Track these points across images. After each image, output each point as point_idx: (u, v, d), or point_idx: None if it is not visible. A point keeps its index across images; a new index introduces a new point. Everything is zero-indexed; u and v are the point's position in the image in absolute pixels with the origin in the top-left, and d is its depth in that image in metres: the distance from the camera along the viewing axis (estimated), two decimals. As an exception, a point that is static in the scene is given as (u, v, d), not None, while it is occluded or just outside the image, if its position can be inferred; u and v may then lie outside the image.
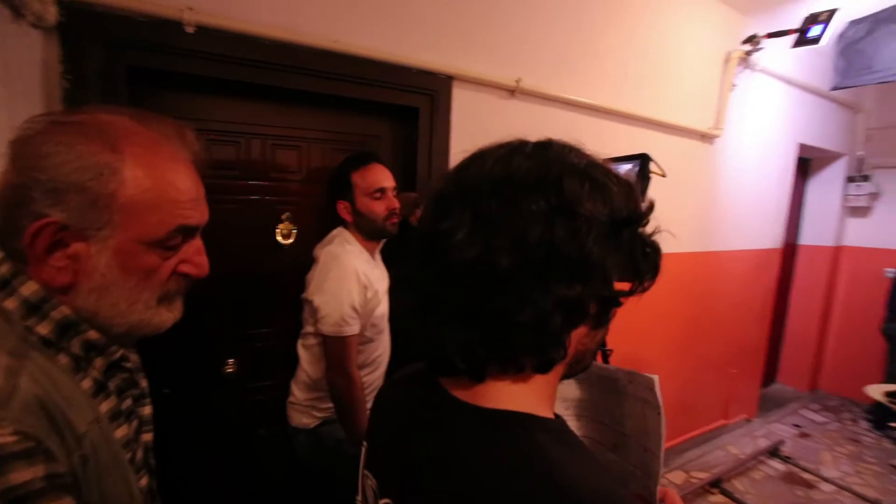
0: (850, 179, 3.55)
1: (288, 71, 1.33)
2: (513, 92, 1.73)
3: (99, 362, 0.53)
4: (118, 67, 1.14)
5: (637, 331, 2.33)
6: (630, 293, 0.45)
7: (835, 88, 2.59)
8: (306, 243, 1.51)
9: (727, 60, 2.43)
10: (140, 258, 0.51)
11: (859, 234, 3.67)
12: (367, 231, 1.37)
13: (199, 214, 0.56)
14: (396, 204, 1.37)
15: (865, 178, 3.51)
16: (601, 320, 0.45)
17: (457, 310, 0.42)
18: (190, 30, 1.17)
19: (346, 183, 1.33)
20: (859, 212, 3.64)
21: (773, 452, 2.92)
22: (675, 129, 2.27)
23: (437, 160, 1.63)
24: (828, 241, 3.64)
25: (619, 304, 0.44)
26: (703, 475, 2.60)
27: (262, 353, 1.53)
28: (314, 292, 1.27)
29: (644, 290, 0.45)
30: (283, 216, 1.50)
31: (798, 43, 2.23)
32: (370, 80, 1.46)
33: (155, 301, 0.54)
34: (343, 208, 1.34)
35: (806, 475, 2.71)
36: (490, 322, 0.40)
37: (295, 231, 1.52)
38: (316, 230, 1.53)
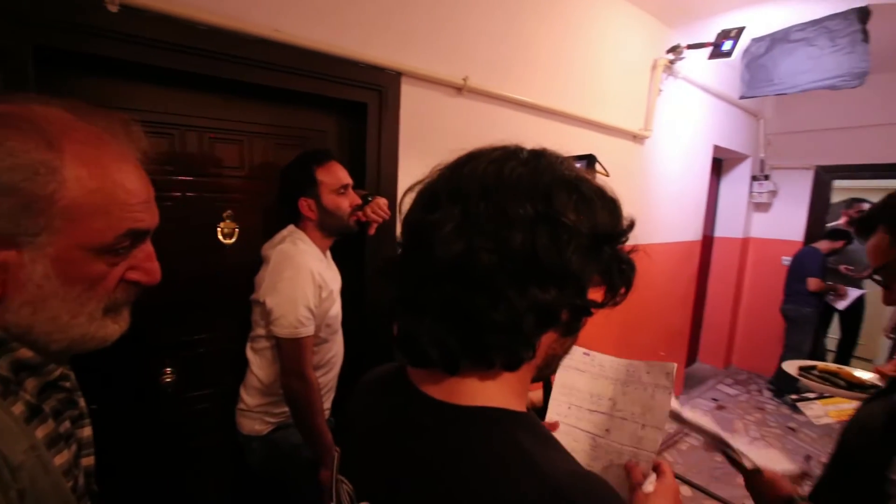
0: (754, 178, 3.98)
1: (225, 60, 1.25)
2: (460, 90, 1.75)
3: (31, 383, 0.47)
4: (23, 47, 1.01)
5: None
6: (602, 305, 0.47)
7: (742, 97, 2.88)
8: (250, 242, 1.44)
9: (654, 67, 2.62)
10: (84, 266, 0.47)
11: (762, 226, 4.13)
12: (331, 228, 1.34)
13: (150, 217, 0.52)
14: (359, 200, 1.37)
15: (766, 178, 3.95)
16: (571, 328, 0.47)
17: (435, 301, 0.43)
18: (113, 8, 1.06)
19: (311, 180, 1.29)
20: (762, 207, 4.10)
21: (696, 425, 3.21)
22: (610, 130, 2.41)
23: (385, 157, 1.62)
24: (737, 233, 4.06)
25: (589, 314, 0.46)
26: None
27: (204, 359, 1.44)
28: (266, 293, 1.22)
29: (615, 304, 0.48)
30: (225, 214, 1.42)
31: (713, 55, 2.46)
32: (316, 73, 1.42)
33: (101, 312, 0.49)
34: (306, 206, 1.30)
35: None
36: (466, 316, 0.42)
37: (238, 230, 1.44)
38: (261, 229, 1.46)
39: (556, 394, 0.70)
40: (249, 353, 1.33)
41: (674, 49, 2.61)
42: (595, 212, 0.43)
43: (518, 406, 0.47)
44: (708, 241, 4.08)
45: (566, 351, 0.52)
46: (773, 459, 0.90)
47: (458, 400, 0.45)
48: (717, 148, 3.44)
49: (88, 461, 0.57)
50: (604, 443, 0.70)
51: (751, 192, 4.00)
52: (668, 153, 2.92)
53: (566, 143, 2.19)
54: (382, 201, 1.45)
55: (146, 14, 1.11)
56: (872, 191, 4.64)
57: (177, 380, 1.37)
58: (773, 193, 4.00)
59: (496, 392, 0.46)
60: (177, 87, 1.28)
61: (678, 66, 2.72)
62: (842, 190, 4.10)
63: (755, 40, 2.77)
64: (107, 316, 0.50)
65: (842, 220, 3.79)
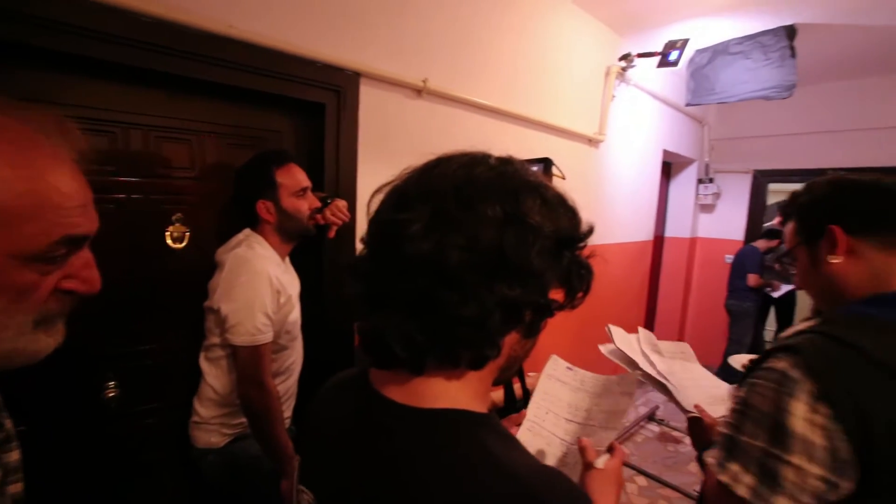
0: (700, 181, 4.22)
1: (172, 54, 1.18)
2: (420, 92, 1.76)
3: None
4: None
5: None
6: (562, 307, 0.49)
7: (688, 104, 3.06)
8: (202, 247, 1.38)
9: (607, 74, 2.73)
10: (11, 275, 0.43)
11: (707, 226, 4.39)
12: (290, 232, 1.30)
13: (87, 222, 0.48)
14: (318, 203, 1.35)
15: (711, 181, 4.20)
16: (532, 329, 0.49)
17: (403, 298, 0.43)
18: (45, -5, 0.99)
19: (270, 182, 1.25)
20: (707, 208, 4.35)
21: (651, 417, 3.37)
22: (566, 133, 2.49)
23: (344, 159, 1.59)
24: (686, 233, 4.29)
25: (550, 314, 0.48)
26: (596, 444, 2.92)
27: (152, 371, 1.36)
28: (221, 300, 1.17)
29: (574, 307, 0.50)
30: (174, 217, 1.35)
31: (661, 64, 2.59)
32: (271, 71, 1.37)
33: (31, 325, 0.46)
34: (264, 208, 1.26)
35: (675, 433, 3.18)
36: (434, 313, 0.42)
37: (188, 234, 1.37)
38: (214, 232, 1.40)
39: (538, 398, 0.74)
40: (203, 363, 1.27)
41: (625, 57, 2.72)
42: (557, 217, 0.46)
43: (480, 407, 0.48)
44: (659, 240, 4.28)
45: (527, 353, 0.54)
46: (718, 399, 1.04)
47: (421, 403, 0.45)
48: (666, 152, 3.63)
49: (16, 488, 0.53)
50: (574, 450, 0.74)
51: (697, 194, 4.24)
52: (621, 156, 3.04)
53: (525, 145, 2.24)
54: (342, 203, 1.42)
55: (83, 2, 1.04)
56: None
57: (121, 394, 1.28)
58: (717, 195, 4.25)
59: (459, 394, 0.46)
60: (118, 81, 1.21)
61: (630, 73, 2.85)
62: (776, 192, 4.41)
63: (699, 51, 2.95)
64: (38, 329, 0.47)
65: (776, 221, 4.09)
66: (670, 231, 4.35)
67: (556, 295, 0.48)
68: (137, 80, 1.22)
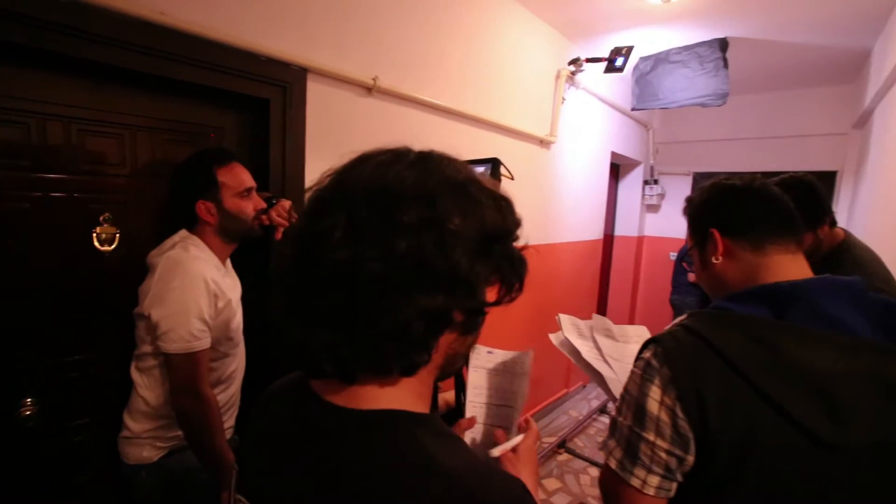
0: (646, 182, 4.43)
1: (93, 40, 1.10)
2: (370, 90, 1.73)
3: None
4: None
5: (489, 318, 2.56)
6: (497, 303, 0.48)
7: (633, 109, 3.20)
8: (134, 249, 1.29)
9: (557, 77, 2.80)
10: None
11: (653, 225, 4.61)
12: (233, 233, 1.24)
13: None
14: (263, 204, 1.29)
15: (655, 182, 4.41)
16: (469, 327, 0.48)
17: (325, 312, 0.42)
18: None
19: (212, 181, 1.19)
20: (653, 208, 4.57)
21: (602, 410, 3.49)
22: (518, 135, 2.54)
23: (291, 157, 1.54)
24: (633, 232, 4.48)
25: (484, 314, 0.47)
26: (552, 439, 2.99)
27: (79, 385, 1.26)
28: (152, 305, 1.09)
29: (511, 300, 0.49)
30: (102, 218, 1.25)
31: (607, 69, 2.69)
32: (210, 64, 1.31)
33: None
34: (205, 209, 1.19)
35: (625, 424, 3.31)
36: (356, 326, 0.41)
37: (118, 235, 1.28)
38: (147, 234, 1.32)
39: (471, 396, 0.72)
40: (135, 374, 1.19)
41: (574, 61, 2.81)
42: (483, 212, 0.44)
43: (421, 408, 0.47)
44: (609, 239, 4.45)
45: (468, 348, 0.53)
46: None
47: (359, 405, 0.44)
48: (614, 154, 3.78)
49: None
50: (513, 435, 0.74)
51: (643, 194, 4.45)
52: (571, 158, 3.14)
53: (477, 146, 2.26)
54: (287, 204, 1.38)
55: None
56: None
57: (41, 411, 1.18)
58: (662, 196, 4.48)
59: (398, 395, 0.46)
60: (30, 67, 1.11)
61: (579, 77, 2.94)
62: (715, 193, 4.71)
63: (643, 59, 3.09)
64: None
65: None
66: (619, 230, 4.53)
67: (493, 291, 0.48)
68: (54, 67, 1.13)
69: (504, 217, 0.46)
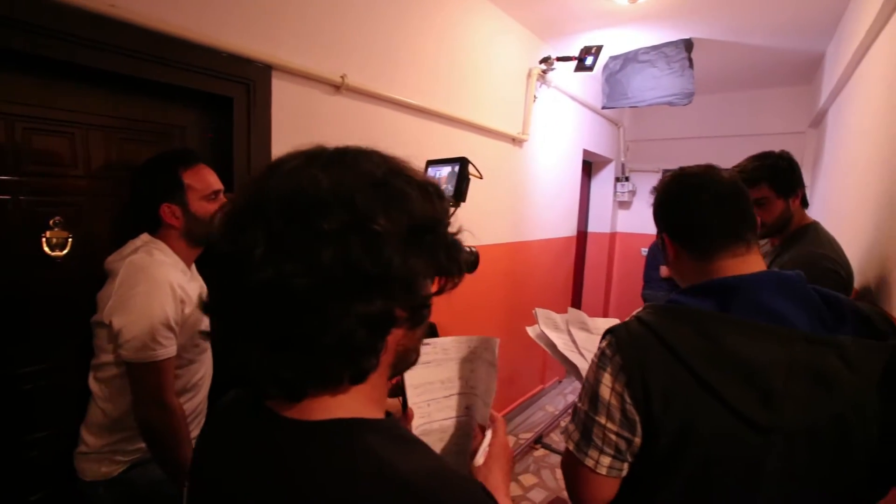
0: (618, 179, 4.52)
1: (37, 32, 1.04)
2: (338, 88, 1.70)
3: None
4: None
5: (463, 315, 2.56)
6: (439, 292, 0.47)
7: (604, 107, 3.25)
8: (88, 254, 1.23)
9: (529, 76, 2.82)
10: None
11: (625, 222, 4.71)
12: (200, 237, 1.20)
13: None
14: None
15: (627, 179, 4.51)
16: (417, 320, 0.46)
17: (260, 335, 0.40)
18: None
19: (177, 184, 1.14)
20: (624, 205, 4.67)
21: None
22: (490, 133, 2.54)
23: (256, 157, 1.50)
24: (606, 228, 4.57)
25: (428, 307, 0.46)
26: (528, 435, 3.02)
27: (32, 398, 1.19)
28: (114, 312, 1.04)
29: (454, 286, 0.48)
30: (53, 221, 1.19)
31: (578, 68, 2.73)
32: (168, 59, 1.26)
33: None
34: (170, 213, 1.14)
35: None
36: (295, 346, 0.40)
37: (71, 240, 1.22)
38: (103, 238, 1.26)
39: (412, 397, 0.68)
40: (93, 384, 1.13)
41: (545, 60, 2.83)
42: (409, 204, 0.42)
43: (375, 412, 0.46)
44: (583, 236, 4.53)
45: (419, 340, 0.51)
46: None
47: (311, 416, 0.43)
48: (586, 152, 3.84)
49: None
50: (466, 420, 0.74)
51: (615, 191, 4.54)
52: (544, 156, 3.17)
53: (449, 144, 2.26)
54: None
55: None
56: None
57: (-11, 426, 1.11)
58: (633, 193, 4.57)
59: (350, 403, 0.44)
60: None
61: (550, 75, 2.97)
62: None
63: (612, 58, 3.14)
64: None
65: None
66: (592, 227, 4.61)
67: (433, 281, 0.47)
68: (-3, 63, 1.06)
69: (433, 205, 0.45)
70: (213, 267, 0.43)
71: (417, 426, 0.68)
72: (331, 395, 0.44)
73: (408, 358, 0.51)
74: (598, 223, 4.58)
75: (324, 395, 0.43)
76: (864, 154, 1.80)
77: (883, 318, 0.70)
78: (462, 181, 1.11)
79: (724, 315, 0.69)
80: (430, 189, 0.46)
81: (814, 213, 3.01)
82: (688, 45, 2.79)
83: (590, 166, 4.49)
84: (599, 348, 0.75)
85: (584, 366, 1.14)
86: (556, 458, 2.83)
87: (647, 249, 4.30)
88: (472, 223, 2.26)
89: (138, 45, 1.19)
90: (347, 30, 1.72)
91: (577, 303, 4.57)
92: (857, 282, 1.55)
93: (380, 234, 0.39)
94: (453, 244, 0.47)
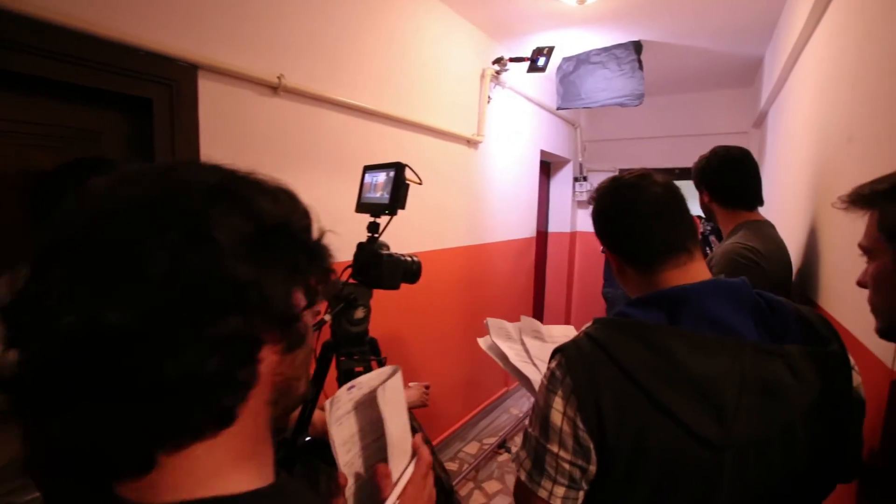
0: (576, 179, 4.57)
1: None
2: (275, 89, 1.60)
3: None
4: None
5: (421, 322, 2.51)
6: (310, 304, 0.41)
7: (559, 108, 3.28)
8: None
9: (482, 76, 2.79)
10: None
11: (585, 221, 4.77)
12: None
13: None
14: None
15: (585, 179, 4.57)
16: (292, 341, 0.40)
17: (79, 393, 0.32)
18: None
19: None
20: (583, 204, 4.73)
21: (541, 404, 3.55)
22: (444, 135, 2.49)
23: (185, 163, 1.39)
24: (566, 228, 4.62)
25: (298, 320, 0.40)
26: (493, 439, 2.99)
27: None
28: None
29: (327, 296, 0.43)
30: (-68, 241, 1.05)
31: (530, 69, 2.72)
32: (74, 57, 1.14)
33: None
34: None
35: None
36: (129, 395, 0.32)
37: (-42, 261, 1.08)
38: (8, 255, 1.12)
39: (342, 454, 0.58)
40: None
41: (498, 60, 2.81)
42: (255, 208, 0.37)
43: (251, 475, 0.39)
44: (543, 236, 4.56)
45: (304, 366, 0.44)
46: None
47: (164, 496, 0.35)
48: (543, 152, 3.85)
49: None
50: (364, 482, 0.62)
51: (574, 191, 4.59)
52: (500, 157, 3.15)
53: (400, 148, 2.19)
54: None
55: None
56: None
57: None
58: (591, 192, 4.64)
59: (213, 466, 0.36)
60: None
61: (504, 76, 2.95)
62: (639, 188, 4.97)
63: (565, 59, 3.16)
64: None
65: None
66: (553, 227, 4.65)
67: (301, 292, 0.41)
68: None
69: (283, 206, 0.40)
70: (10, 319, 0.33)
71: (351, 488, 0.58)
72: (191, 454, 0.36)
73: (291, 391, 0.43)
74: (558, 223, 4.63)
75: (182, 453, 0.35)
76: (798, 154, 1.87)
77: (824, 322, 0.70)
78: (398, 188, 1.05)
79: (672, 328, 0.67)
80: (280, 193, 0.41)
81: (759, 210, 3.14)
82: (637, 47, 2.84)
83: (548, 167, 4.53)
84: (549, 369, 0.72)
85: (536, 378, 1.10)
86: (520, 462, 2.81)
87: (605, 248, 4.37)
88: (426, 228, 2.18)
89: (36, 40, 1.07)
90: (285, 27, 1.63)
91: (538, 302, 4.60)
92: (796, 277, 1.60)
93: (217, 242, 0.34)
94: (316, 247, 0.42)
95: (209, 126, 1.44)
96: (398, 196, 1.04)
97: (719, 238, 4.27)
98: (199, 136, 1.42)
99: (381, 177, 1.10)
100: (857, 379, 0.69)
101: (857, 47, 1.16)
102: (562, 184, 4.59)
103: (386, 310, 1.18)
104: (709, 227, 4.42)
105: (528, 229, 3.69)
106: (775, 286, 1.27)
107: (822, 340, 0.67)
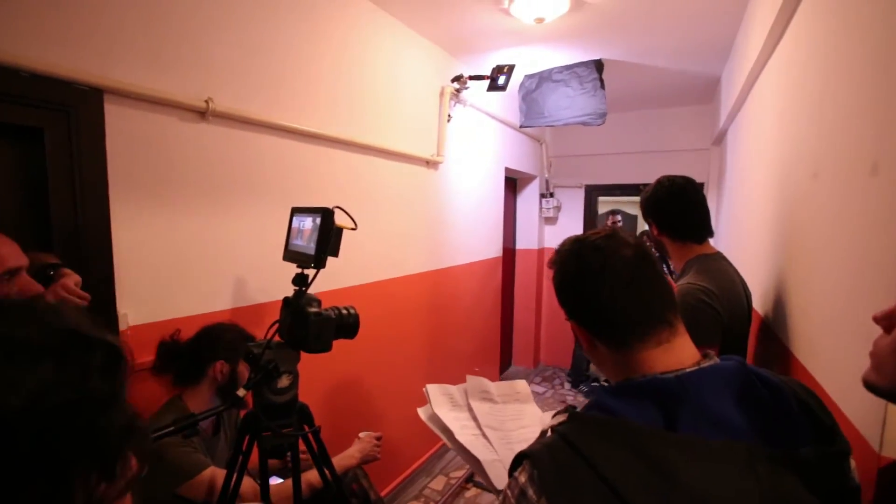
0: (542, 196, 4.53)
1: None
2: (203, 114, 1.43)
3: None
4: None
5: (384, 354, 2.35)
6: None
7: (522, 126, 3.21)
8: None
9: (442, 95, 2.69)
10: None
11: (552, 237, 4.73)
12: None
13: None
14: (36, 287, 0.90)
15: (551, 195, 4.53)
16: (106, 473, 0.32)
17: None
18: None
19: None
20: (550, 220, 4.69)
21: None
22: (400, 157, 2.36)
23: (87, 205, 1.20)
24: (534, 244, 4.56)
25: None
26: (460, 473, 2.84)
27: None
28: None
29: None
30: None
31: (490, 87, 2.63)
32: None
33: None
34: None
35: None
36: None
37: None
38: None
39: None
40: None
41: (458, 78, 2.72)
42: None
43: None
44: (510, 253, 4.48)
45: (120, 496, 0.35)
46: None
47: None
48: (509, 169, 3.78)
49: None
50: None
51: (541, 207, 4.54)
52: (462, 177, 3.04)
53: (353, 173, 2.05)
54: (70, 282, 0.99)
55: None
56: (626, 203, 5.88)
57: None
58: (559, 208, 4.61)
59: None
60: None
61: (466, 94, 2.86)
62: (604, 203, 4.97)
63: (528, 76, 3.10)
64: None
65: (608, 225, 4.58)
66: (520, 243, 4.58)
67: None
68: None
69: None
70: None
71: None
72: None
73: None
74: (526, 240, 4.56)
75: None
76: (760, 176, 1.83)
77: (822, 406, 0.60)
78: (326, 237, 0.90)
79: (670, 435, 0.55)
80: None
81: (721, 226, 3.15)
82: (598, 65, 2.80)
83: (514, 183, 4.47)
84: (516, 480, 0.59)
85: (487, 458, 0.97)
86: (489, 498, 2.68)
87: (573, 264, 4.33)
88: (383, 255, 2.00)
89: None
90: (213, 44, 1.46)
91: (507, 322, 4.50)
92: (759, 304, 1.54)
93: None
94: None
95: (121, 156, 1.26)
96: (325, 247, 0.90)
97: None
98: (108, 170, 1.24)
99: (308, 222, 0.96)
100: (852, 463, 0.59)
101: (819, 80, 1.11)
102: (528, 200, 4.53)
103: (338, 344, 1.04)
104: (621, 224, 4.45)
105: (493, 249, 3.59)
106: (729, 329, 1.20)
107: (827, 433, 0.57)
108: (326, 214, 0.89)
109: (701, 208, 1.34)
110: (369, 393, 2.27)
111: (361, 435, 1.54)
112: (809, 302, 1.04)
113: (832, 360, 0.88)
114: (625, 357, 0.64)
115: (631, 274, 0.65)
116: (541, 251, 4.67)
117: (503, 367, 4.35)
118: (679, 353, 0.63)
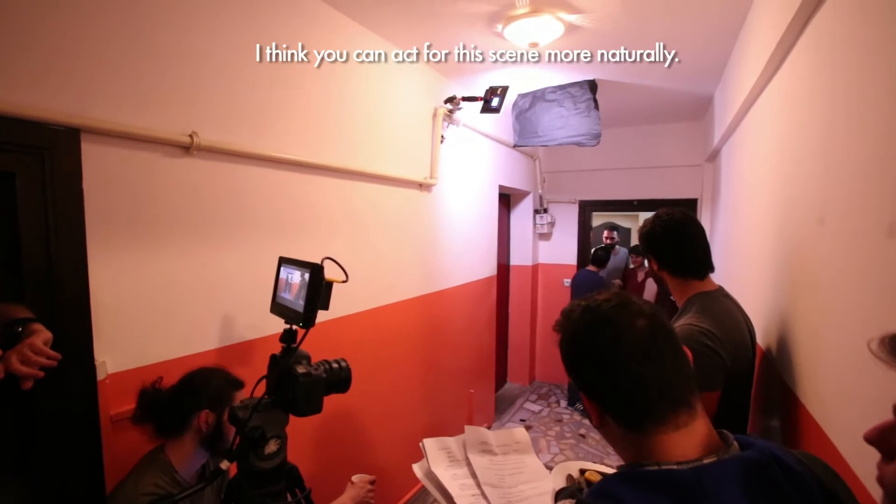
0: (536, 211, 4.50)
1: None
2: (188, 149, 1.38)
3: None
4: None
5: (381, 380, 2.29)
6: None
7: (516, 146, 3.19)
8: None
9: (435, 116, 2.65)
10: None
11: (546, 253, 4.71)
12: None
13: None
14: None
15: (545, 211, 4.51)
16: None
17: None
18: None
19: None
20: (545, 236, 4.67)
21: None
22: (393, 181, 2.32)
23: (62, 248, 1.13)
24: (528, 260, 4.52)
25: None
26: None
27: None
28: None
29: None
30: None
31: (484, 109, 2.60)
32: None
33: None
34: None
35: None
36: None
37: None
38: None
39: None
40: None
41: (451, 100, 2.69)
42: None
43: None
44: (505, 269, 4.44)
45: None
46: None
47: None
48: (502, 187, 3.75)
49: None
50: None
51: (535, 223, 4.52)
52: (456, 198, 3.00)
53: (344, 200, 2.00)
54: (38, 340, 0.89)
55: None
56: (619, 217, 5.86)
57: None
58: (552, 224, 4.59)
59: None
60: None
61: (458, 114, 2.83)
62: (598, 217, 4.96)
63: (521, 95, 3.08)
64: None
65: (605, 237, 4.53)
66: (515, 260, 4.55)
67: None
68: None
69: None
70: None
71: None
72: None
73: None
74: (520, 256, 4.53)
75: None
76: (758, 208, 1.81)
77: (848, 493, 0.56)
78: (314, 293, 0.85)
79: None
80: None
81: (715, 242, 3.13)
82: (592, 86, 2.79)
83: (508, 199, 4.45)
84: None
85: None
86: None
87: (570, 280, 4.29)
88: (376, 282, 1.94)
89: None
90: (196, 78, 1.41)
91: (502, 337, 4.45)
92: (760, 338, 1.50)
93: None
94: None
95: (100, 196, 1.20)
96: (314, 306, 0.85)
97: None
98: (85, 210, 1.17)
99: (297, 276, 0.91)
100: None
101: (825, 120, 1.08)
102: (522, 216, 4.51)
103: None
104: (617, 239, 4.45)
105: (488, 268, 3.55)
106: (733, 372, 1.15)
107: None
108: (315, 270, 0.84)
109: (700, 243, 1.30)
110: (362, 422, 2.20)
111: (354, 479, 1.47)
112: (824, 352, 1.00)
113: (845, 417, 0.84)
114: (639, 438, 0.59)
115: (646, 348, 0.59)
116: (535, 267, 4.64)
117: (498, 385, 4.29)
118: (699, 439, 0.58)
